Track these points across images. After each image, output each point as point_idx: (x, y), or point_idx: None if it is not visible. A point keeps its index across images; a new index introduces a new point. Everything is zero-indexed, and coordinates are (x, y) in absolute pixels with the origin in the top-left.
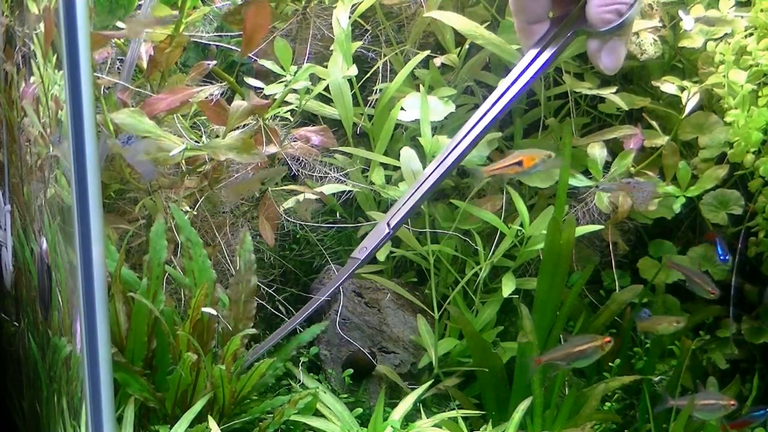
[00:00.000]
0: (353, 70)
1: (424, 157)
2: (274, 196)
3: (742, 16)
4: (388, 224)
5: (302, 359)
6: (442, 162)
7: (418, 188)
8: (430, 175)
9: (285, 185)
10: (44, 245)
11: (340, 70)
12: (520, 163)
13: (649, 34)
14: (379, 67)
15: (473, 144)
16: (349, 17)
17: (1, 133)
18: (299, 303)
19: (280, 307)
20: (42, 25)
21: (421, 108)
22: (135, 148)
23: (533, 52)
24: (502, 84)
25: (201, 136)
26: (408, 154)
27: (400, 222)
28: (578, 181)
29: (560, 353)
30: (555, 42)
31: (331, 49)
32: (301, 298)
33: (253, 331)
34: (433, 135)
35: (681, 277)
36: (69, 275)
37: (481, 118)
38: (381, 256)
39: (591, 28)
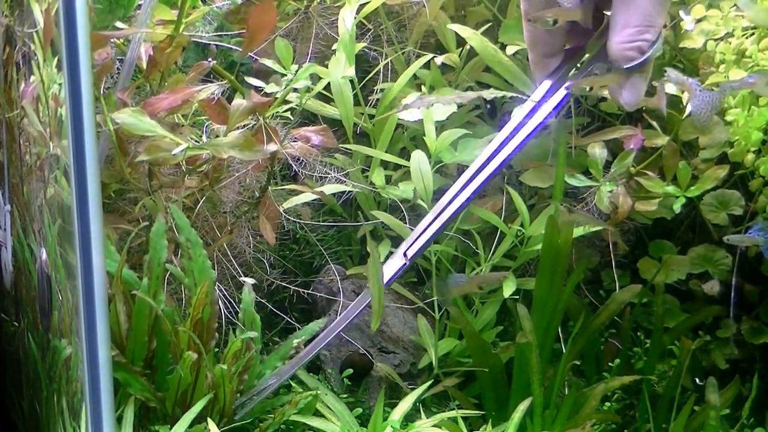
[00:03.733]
0: (353, 70)
1: (430, 157)
2: (274, 195)
3: (742, 15)
4: (405, 254)
5: None
6: (459, 194)
7: (435, 219)
8: (447, 206)
9: (285, 185)
10: (44, 255)
11: (341, 70)
12: None
13: None
14: (380, 68)
15: (490, 177)
16: (355, 17)
17: (1, 133)
18: (299, 303)
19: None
20: (42, 24)
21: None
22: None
23: (547, 84)
24: (518, 114)
25: (201, 136)
26: (418, 156)
27: (417, 253)
28: (578, 181)
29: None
30: (574, 76)
31: (333, 48)
32: (301, 299)
33: (254, 334)
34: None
35: (681, 277)
36: (69, 275)
37: (498, 149)
38: (381, 256)
39: (612, 65)
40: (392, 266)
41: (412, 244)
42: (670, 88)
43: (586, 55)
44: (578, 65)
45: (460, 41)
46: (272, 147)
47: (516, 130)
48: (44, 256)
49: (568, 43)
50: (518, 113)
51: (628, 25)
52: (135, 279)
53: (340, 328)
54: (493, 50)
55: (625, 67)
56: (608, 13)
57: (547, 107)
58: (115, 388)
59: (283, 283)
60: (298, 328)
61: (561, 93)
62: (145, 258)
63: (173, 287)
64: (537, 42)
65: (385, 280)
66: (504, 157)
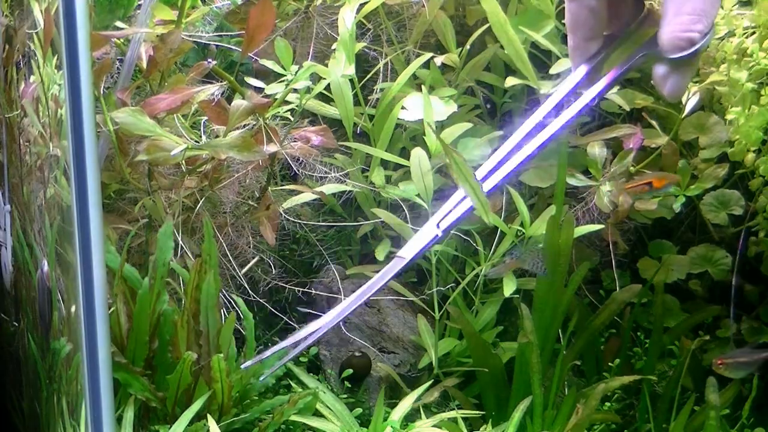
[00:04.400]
0: (353, 70)
1: (430, 157)
2: (274, 196)
3: (743, 14)
4: (438, 226)
5: (302, 359)
6: (496, 170)
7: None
8: (483, 181)
9: (285, 185)
10: (45, 267)
11: (341, 70)
12: (650, 184)
13: None
14: (380, 67)
15: (532, 155)
16: (354, 17)
17: (1, 133)
18: (299, 303)
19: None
20: (42, 24)
21: (424, 108)
22: None
23: (584, 69)
24: (555, 97)
25: (200, 136)
26: (418, 153)
27: (452, 226)
28: (578, 180)
29: None
30: (619, 62)
31: (333, 48)
32: (301, 299)
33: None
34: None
35: (681, 277)
36: (69, 275)
37: (536, 129)
38: (381, 255)
39: (660, 54)
40: (424, 237)
41: (446, 216)
42: None
43: (627, 42)
44: (619, 48)
45: (460, 41)
46: (272, 148)
47: (552, 112)
48: (45, 267)
49: (609, 29)
50: (553, 96)
51: (680, 13)
52: (137, 277)
53: (367, 296)
54: (503, 20)
55: (672, 56)
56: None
57: (593, 92)
58: (116, 388)
59: (282, 283)
60: (298, 328)
61: (604, 80)
62: (151, 258)
63: (173, 287)
64: (579, 24)
65: (416, 252)
66: (549, 133)
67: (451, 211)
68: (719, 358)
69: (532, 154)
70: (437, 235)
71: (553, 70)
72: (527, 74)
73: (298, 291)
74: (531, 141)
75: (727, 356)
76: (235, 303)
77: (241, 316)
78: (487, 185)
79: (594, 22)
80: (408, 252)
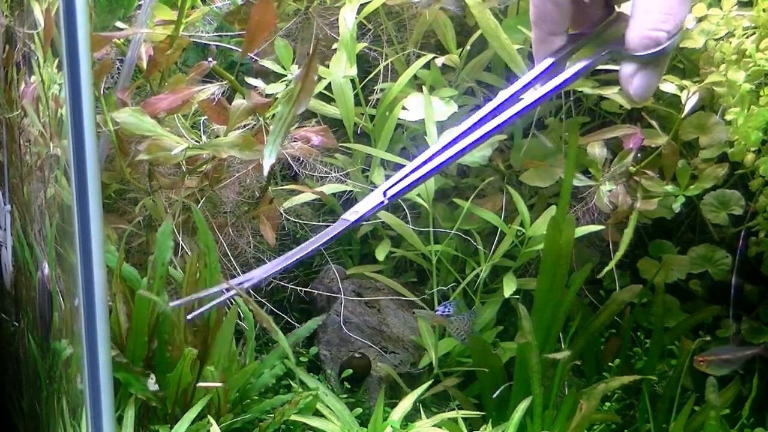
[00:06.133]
0: (353, 71)
1: None
2: (275, 195)
3: (742, 14)
4: (384, 193)
5: (302, 359)
6: (447, 148)
7: (421, 165)
8: (435, 156)
9: (285, 185)
10: (45, 270)
11: (342, 70)
12: None
13: None
14: (380, 68)
15: (481, 140)
16: (355, 17)
17: (1, 133)
18: (299, 303)
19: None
20: (42, 24)
21: (425, 108)
22: None
23: (548, 61)
24: (516, 85)
25: (201, 136)
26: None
27: (397, 194)
28: (577, 180)
29: None
30: (583, 56)
31: (333, 48)
32: (300, 298)
33: None
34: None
35: (681, 277)
36: (68, 276)
37: (490, 114)
38: (381, 255)
39: (627, 52)
40: (370, 202)
41: (394, 185)
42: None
43: (592, 40)
44: (586, 43)
45: (461, 42)
46: None
47: (511, 98)
48: (46, 270)
49: (574, 27)
50: (515, 84)
51: (649, 11)
52: (136, 276)
53: (307, 252)
54: (494, 24)
55: (637, 54)
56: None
57: (553, 84)
58: (116, 388)
59: (283, 283)
60: (298, 327)
61: (570, 71)
62: (150, 258)
63: (173, 287)
64: (544, 18)
65: (361, 215)
66: (498, 122)
67: (400, 180)
68: (701, 356)
69: (474, 141)
70: (382, 202)
71: None
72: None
73: (301, 291)
74: (477, 129)
75: (709, 353)
76: (235, 301)
77: (242, 315)
78: (426, 168)
79: (558, 16)
80: (352, 215)
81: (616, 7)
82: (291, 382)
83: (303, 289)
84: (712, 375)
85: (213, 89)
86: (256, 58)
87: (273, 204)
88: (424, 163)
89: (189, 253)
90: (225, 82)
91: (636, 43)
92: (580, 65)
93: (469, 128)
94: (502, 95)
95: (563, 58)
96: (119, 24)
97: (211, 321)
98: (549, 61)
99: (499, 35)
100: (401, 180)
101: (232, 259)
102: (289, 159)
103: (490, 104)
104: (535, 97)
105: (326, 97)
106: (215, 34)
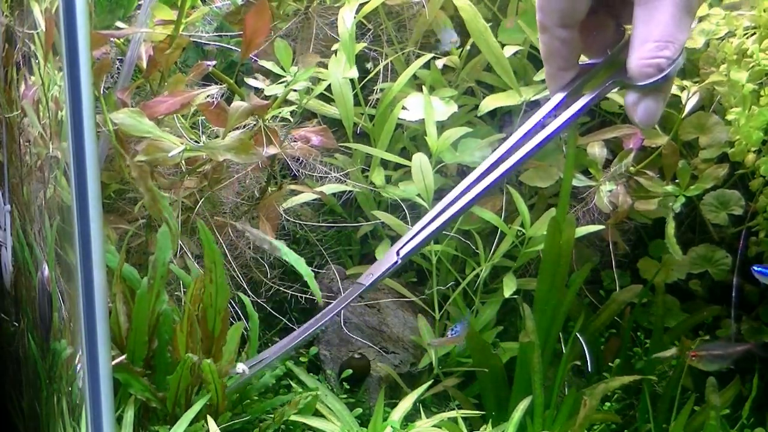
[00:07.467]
0: (354, 72)
1: (430, 157)
2: (274, 191)
3: (743, 14)
4: (398, 253)
5: (302, 359)
6: (460, 196)
7: (433, 219)
8: (445, 210)
9: (285, 185)
10: (45, 271)
11: (341, 70)
12: None
13: None
14: (380, 68)
15: (493, 184)
16: (354, 17)
17: (1, 133)
18: (299, 303)
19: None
20: (42, 25)
21: (425, 109)
22: None
23: (560, 96)
24: (528, 123)
25: (200, 136)
26: (420, 158)
27: (410, 253)
28: (577, 180)
29: None
30: (590, 88)
31: (333, 48)
32: (300, 299)
33: None
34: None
35: (681, 277)
36: (68, 276)
37: (504, 156)
38: (381, 256)
39: (630, 81)
40: (384, 264)
41: (406, 243)
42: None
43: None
44: (592, 76)
45: (460, 42)
46: (272, 150)
47: (524, 137)
48: (46, 271)
49: (589, 55)
50: (528, 122)
51: (647, 40)
52: (136, 276)
53: (326, 318)
54: (483, 27)
55: (641, 84)
56: (629, 27)
57: (559, 119)
58: (116, 389)
59: (283, 283)
60: (294, 328)
61: (575, 107)
62: (150, 258)
63: (173, 287)
64: (552, 55)
65: (375, 278)
66: (510, 164)
67: (411, 238)
68: (693, 351)
69: (493, 182)
70: (396, 262)
71: (537, 77)
72: (508, 81)
73: (301, 297)
74: (495, 169)
75: (700, 349)
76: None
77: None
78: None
79: (567, 52)
80: (367, 279)
81: (627, 29)
82: (291, 383)
83: (303, 290)
84: (704, 370)
85: (212, 92)
86: (255, 58)
87: (281, 190)
88: (435, 218)
89: (189, 253)
90: (224, 84)
91: (637, 73)
92: (585, 99)
93: (482, 173)
94: (515, 136)
95: (575, 90)
96: (119, 24)
97: (216, 331)
98: (560, 96)
99: (488, 38)
100: (413, 237)
101: (231, 260)
102: (288, 160)
103: (502, 147)
104: (542, 137)
105: (326, 98)
106: (215, 34)
